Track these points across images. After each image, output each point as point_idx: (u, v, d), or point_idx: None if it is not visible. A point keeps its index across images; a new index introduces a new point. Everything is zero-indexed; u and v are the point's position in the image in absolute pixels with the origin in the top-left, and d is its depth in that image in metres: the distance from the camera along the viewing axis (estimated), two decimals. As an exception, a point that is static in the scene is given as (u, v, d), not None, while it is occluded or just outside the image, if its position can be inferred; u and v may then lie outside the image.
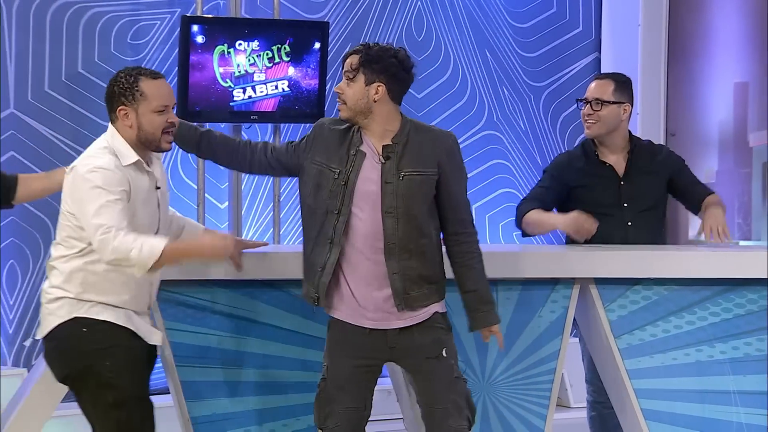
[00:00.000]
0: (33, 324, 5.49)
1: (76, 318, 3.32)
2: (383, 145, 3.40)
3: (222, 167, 5.83)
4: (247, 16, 5.85)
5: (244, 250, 3.64)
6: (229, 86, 5.64)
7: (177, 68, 5.58)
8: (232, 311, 3.79)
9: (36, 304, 5.47)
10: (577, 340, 4.51)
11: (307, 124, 5.96)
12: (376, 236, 3.38)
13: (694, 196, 4.45)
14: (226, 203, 5.89)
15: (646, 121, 6.26)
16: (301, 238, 3.56)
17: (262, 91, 5.70)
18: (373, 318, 3.42)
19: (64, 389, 3.79)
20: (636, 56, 6.40)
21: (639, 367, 4.02)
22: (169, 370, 3.82)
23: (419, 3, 6.30)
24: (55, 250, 3.41)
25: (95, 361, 3.31)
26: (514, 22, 6.54)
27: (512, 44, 6.50)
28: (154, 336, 3.43)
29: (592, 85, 4.46)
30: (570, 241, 4.38)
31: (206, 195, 5.77)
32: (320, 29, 5.78)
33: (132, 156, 3.35)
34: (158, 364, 5.67)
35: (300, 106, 5.79)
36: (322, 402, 3.45)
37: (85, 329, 3.32)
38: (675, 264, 4.04)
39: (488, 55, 6.47)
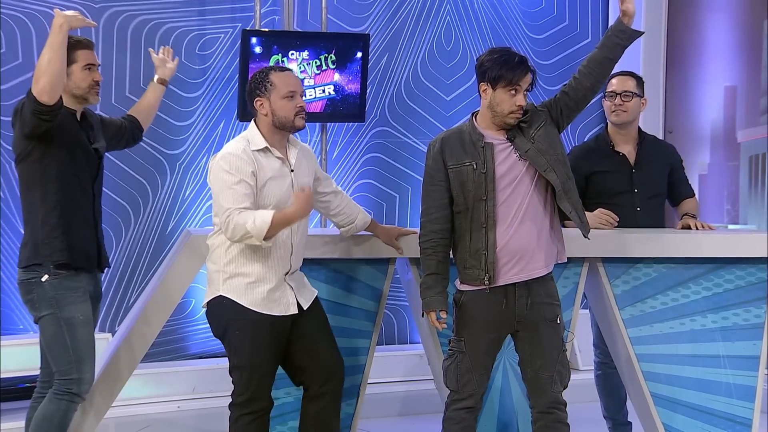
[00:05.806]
0: (116, 295, 5.51)
1: (221, 295, 3.40)
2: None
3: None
4: (299, 30, 5.82)
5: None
6: (283, 90, 5.61)
7: (238, 75, 5.57)
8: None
9: (118, 278, 5.50)
10: (587, 311, 4.46)
11: (350, 123, 5.93)
12: None
13: (678, 192, 4.40)
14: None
15: (647, 120, 6.18)
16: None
17: (311, 95, 5.67)
18: None
19: (143, 352, 3.80)
20: (638, 63, 6.32)
21: (640, 335, 3.99)
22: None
23: (448, 17, 6.24)
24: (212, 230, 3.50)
25: (228, 329, 3.40)
26: (531, 33, 6.47)
27: (529, 53, 6.43)
28: (275, 309, 3.41)
29: (615, 80, 4.32)
30: None
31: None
32: (362, 40, 5.74)
33: (261, 143, 3.40)
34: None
35: (344, 107, 5.76)
36: (462, 370, 3.41)
37: (224, 301, 3.39)
38: (672, 245, 4.00)
39: (508, 62, 6.39)
